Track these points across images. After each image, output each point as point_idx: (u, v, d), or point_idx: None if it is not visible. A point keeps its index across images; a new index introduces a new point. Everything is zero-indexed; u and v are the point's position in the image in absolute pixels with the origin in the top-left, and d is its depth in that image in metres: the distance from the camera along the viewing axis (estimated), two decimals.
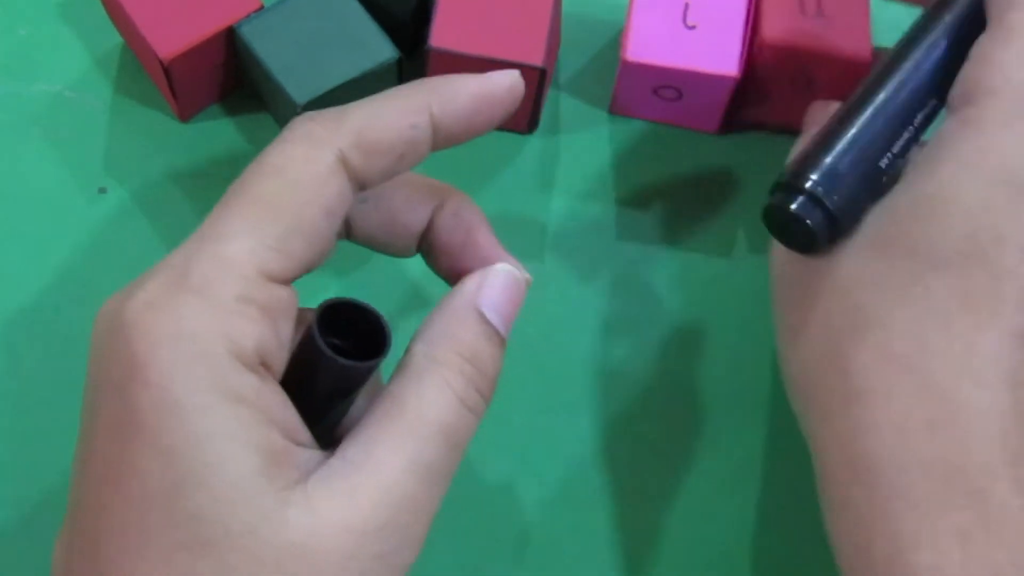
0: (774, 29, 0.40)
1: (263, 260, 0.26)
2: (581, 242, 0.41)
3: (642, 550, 0.37)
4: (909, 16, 0.45)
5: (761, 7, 0.41)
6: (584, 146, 0.43)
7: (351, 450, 0.27)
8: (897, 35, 0.44)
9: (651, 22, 0.41)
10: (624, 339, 0.39)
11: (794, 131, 0.43)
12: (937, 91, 0.32)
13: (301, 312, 0.29)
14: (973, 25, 0.32)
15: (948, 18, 0.33)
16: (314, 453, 0.27)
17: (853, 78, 0.41)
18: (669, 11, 0.41)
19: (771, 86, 0.42)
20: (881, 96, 0.32)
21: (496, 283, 0.30)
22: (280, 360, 0.27)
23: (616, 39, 0.44)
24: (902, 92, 0.32)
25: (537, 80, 0.39)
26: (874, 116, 0.32)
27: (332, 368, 0.27)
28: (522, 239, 0.41)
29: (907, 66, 0.33)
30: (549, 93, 0.43)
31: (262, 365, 0.26)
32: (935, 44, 0.33)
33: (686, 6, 0.41)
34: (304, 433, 0.27)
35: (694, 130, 0.43)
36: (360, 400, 0.31)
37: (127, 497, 0.25)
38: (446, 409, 0.28)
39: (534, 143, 0.42)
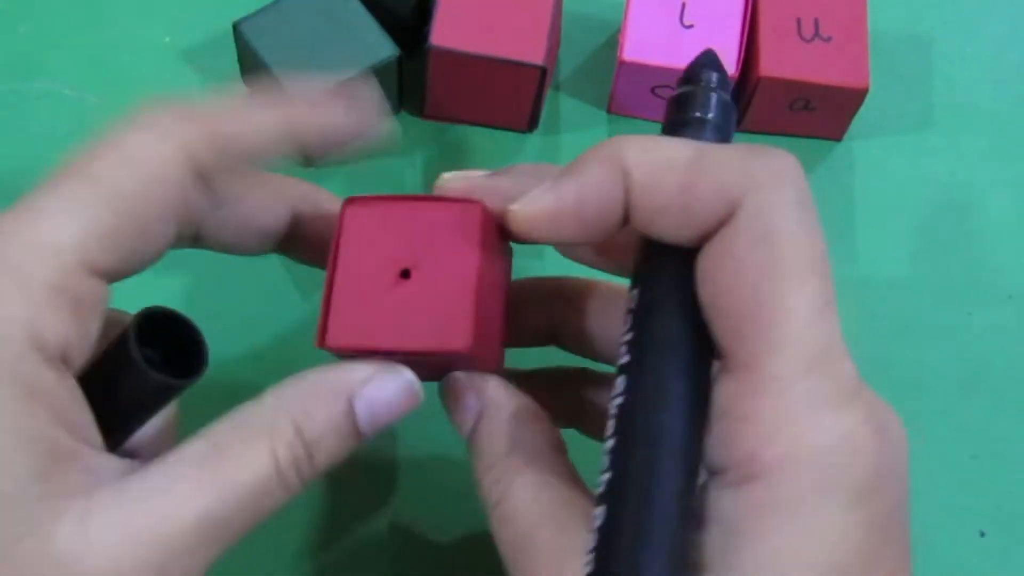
0: (771, 62, 0.40)
1: (88, 250, 0.24)
2: None
3: None
4: (906, 32, 0.46)
5: (759, 33, 0.41)
6: (583, 145, 0.41)
7: (151, 478, 0.25)
8: (894, 56, 0.45)
9: (648, 22, 0.41)
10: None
11: (794, 135, 0.43)
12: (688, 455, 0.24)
13: (110, 312, 0.27)
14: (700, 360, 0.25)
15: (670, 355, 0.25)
16: (110, 459, 0.25)
17: (851, 103, 0.41)
18: (666, 11, 0.41)
19: (770, 107, 0.42)
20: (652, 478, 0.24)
21: (387, 386, 0.27)
22: (81, 357, 0.25)
23: (615, 38, 0.44)
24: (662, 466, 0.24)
25: (538, 79, 0.40)
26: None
27: (143, 381, 0.26)
28: None
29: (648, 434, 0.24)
30: (548, 92, 0.43)
31: (62, 360, 0.24)
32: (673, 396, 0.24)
33: (683, 5, 0.42)
34: (98, 437, 0.26)
35: None
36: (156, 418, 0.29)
37: None
38: (261, 479, 0.26)
39: (534, 142, 0.43)
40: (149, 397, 0.27)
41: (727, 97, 0.27)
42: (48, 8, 0.44)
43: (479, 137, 0.42)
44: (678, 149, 0.25)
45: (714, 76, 0.27)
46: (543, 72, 0.39)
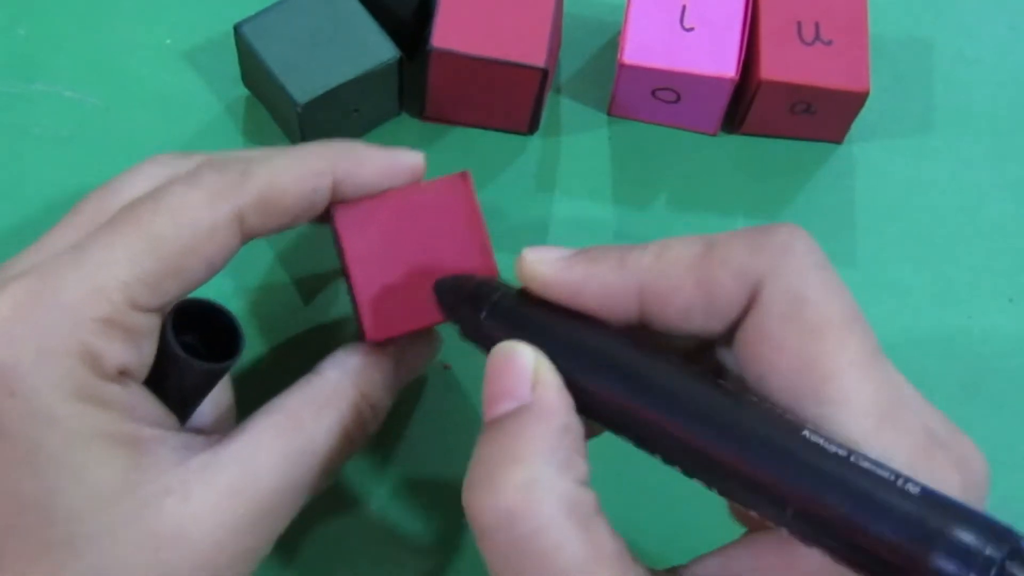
0: (772, 65, 0.40)
1: (135, 293, 0.27)
2: (581, 243, 0.41)
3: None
4: (906, 35, 0.46)
5: (759, 36, 0.41)
6: (584, 147, 0.43)
7: (236, 446, 0.28)
8: (895, 59, 0.45)
9: (649, 24, 0.41)
10: None
11: (795, 139, 0.43)
12: None
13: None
14: None
15: None
16: (191, 437, 0.28)
17: (851, 106, 0.41)
18: (667, 13, 0.41)
19: (770, 111, 0.42)
20: None
21: (419, 345, 0.33)
22: (142, 369, 0.28)
23: (616, 41, 0.44)
24: None
25: (538, 81, 0.40)
26: None
27: (187, 370, 0.29)
28: (522, 239, 0.41)
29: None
30: (549, 94, 0.43)
31: (122, 375, 0.28)
32: None
33: (684, 8, 0.42)
34: (172, 420, 0.29)
35: (693, 132, 0.43)
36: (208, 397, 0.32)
37: None
38: (333, 442, 0.30)
39: (534, 144, 0.43)
40: (197, 380, 0.30)
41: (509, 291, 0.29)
42: (48, 10, 0.44)
43: (479, 139, 0.42)
44: (686, 246, 0.26)
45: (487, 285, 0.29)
46: (544, 74, 0.39)
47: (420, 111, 0.42)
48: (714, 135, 0.43)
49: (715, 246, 0.25)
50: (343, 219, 0.31)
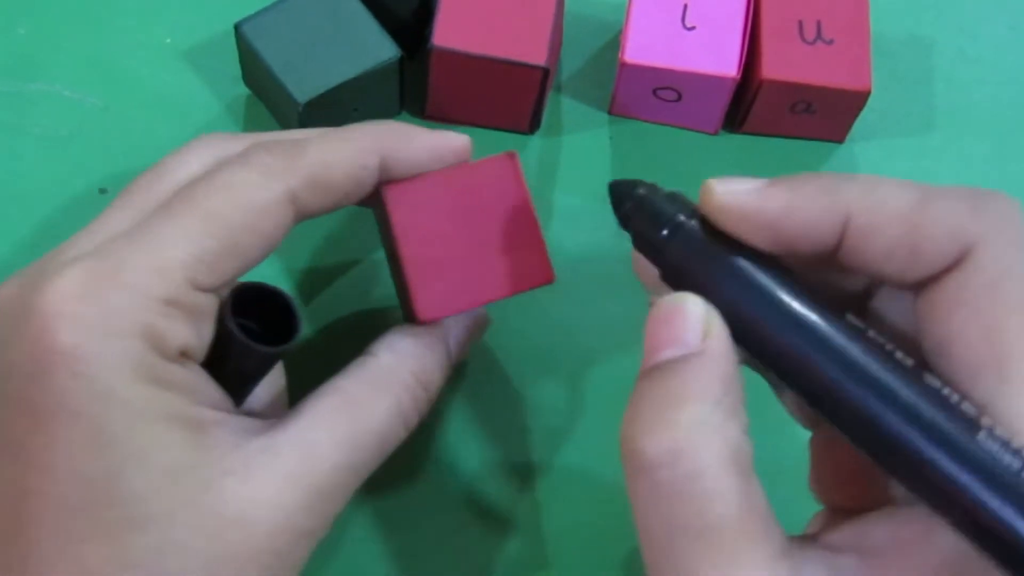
0: (773, 64, 0.40)
1: (194, 272, 0.28)
2: (581, 242, 0.41)
3: None
4: (907, 35, 0.46)
5: (761, 35, 0.41)
6: (585, 147, 0.43)
7: (295, 429, 0.29)
8: (896, 58, 0.45)
9: (650, 23, 0.41)
10: (625, 338, 0.39)
11: (796, 138, 0.43)
12: None
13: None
14: None
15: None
16: (250, 420, 0.29)
17: (852, 106, 0.41)
18: (668, 13, 0.41)
19: (772, 110, 0.42)
20: None
21: (467, 322, 0.34)
22: (201, 350, 0.29)
23: (616, 40, 0.44)
24: None
25: (539, 80, 0.40)
26: None
27: (245, 353, 0.29)
28: None
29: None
30: (550, 94, 0.43)
31: (183, 355, 0.28)
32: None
33: (685, 7, 0.42)
34: (230, 403, 0.29)
35: (694, 131, 0.43)
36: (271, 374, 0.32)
37: (61, 481, 0.26)
38: (389, 424, 0.30)
39: (535, 143, 0.43)
40: (256, 364, 0.30)
41: (670, 193, 0.28)
42: (48, 9, 0.43)
43: (480, 138, 0.42)
44: (901, 192, 0.25)
45: (642, 190, 0.29)
46: (545, 73, 0.39)
47: (421, 110, 0.42)
48: (715, 134, 0.43)
49: (932, 197, 0.25)
50: (393, 197, 0.31)
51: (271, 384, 0.33)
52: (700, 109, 0.42)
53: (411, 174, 0.31)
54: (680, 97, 0.42)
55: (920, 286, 0.25)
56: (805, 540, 0.26)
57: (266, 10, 0.39)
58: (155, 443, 0.26)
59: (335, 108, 0.39)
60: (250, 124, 0.42)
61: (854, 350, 0.25)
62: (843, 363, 0.25)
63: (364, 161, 0.30)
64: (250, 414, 0.30)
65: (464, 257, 0.32)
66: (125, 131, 0.42)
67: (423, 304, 0.31)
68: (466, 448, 0.37)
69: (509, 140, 0.42)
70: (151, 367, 0.27)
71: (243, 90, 0.42)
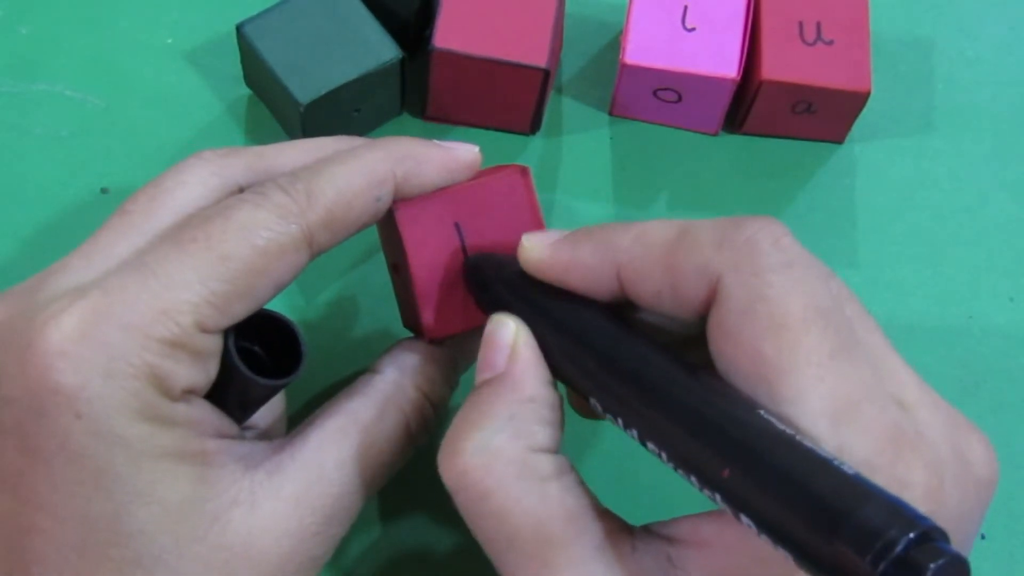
0: (773, 65, 0.41)
1: (203, 316, 0.27)
2: None
3: None
4: (907, 35, 0.46)
5: (761, 36, 0.41)
6: (585, 147, 0.43)
7: (302, 453, 0.28)
8: (896, 59, 0.45)
9: (650, 24, 0.41)
10: None
11: (796, 138, 0.43)
12: None
13: None
14: None
15: None
16: (253, 444, 0.28)
17: (852, 106, 0.41)
18: (668, 13, 0.41)
19: (772, 110, 0.42)
20: None
21: (476, 341, 0.31)
22: (206, 386, 0.28)
23: (617, 41, 0.44)
24: None
25: (540, 81, 0.40)
26: None
27: (251, 384, 0.28)
28: None
29: None
30: (551, 95, 0.43)
31: (188, 393, 0.27)
32: None
33: (685, 8, 0.42)
34: (234, 428, 0.29)
35: (694, 132, 0.43)
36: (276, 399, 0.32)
37: (65, 521, 0.25)
38: (397, 443, 0.30)
39: (536, 144, 0.43)
40: (260, 394, 0.30)
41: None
42: (49, 10, 0.44)
43: (481, 139, 0.42)
44: (662, 231, 0.27)
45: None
46: (546, 74, 0.39)
47: (422, 111, 0.42)
48: (715, 135, 0.43)
49: (686, 235, 0.26)
50: (404, 216, 0.31)
51: (271, 402, 0.33)
52: (700, 110, 0.42)
53: (424, 191, 0.31)
54: (680, 98, 0.42)
55: (701, 320, 0.26)
56: (646, 531, 0.27)
57: (268, 11, 0.39)
58: (160, 480, 0.26)
59: (336, 109, 0.39)
60: (251, 124, 0.42)
61: (618, 344, 0.27)
62: (605, 355, 0.27)
63: (379, 193, 0.30)
64: (249, 428, 0.30)
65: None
66: (127, 131, 0.42)
67: (431, 322, 0.31)
68: None
69: (510, 141, 0.43)
70: (154, 407, 0.26)
71: (244, 90, 0.42)
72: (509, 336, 0.28)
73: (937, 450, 0.24)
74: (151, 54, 0.43)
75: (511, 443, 0.26)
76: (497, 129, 0.42)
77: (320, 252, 0.29)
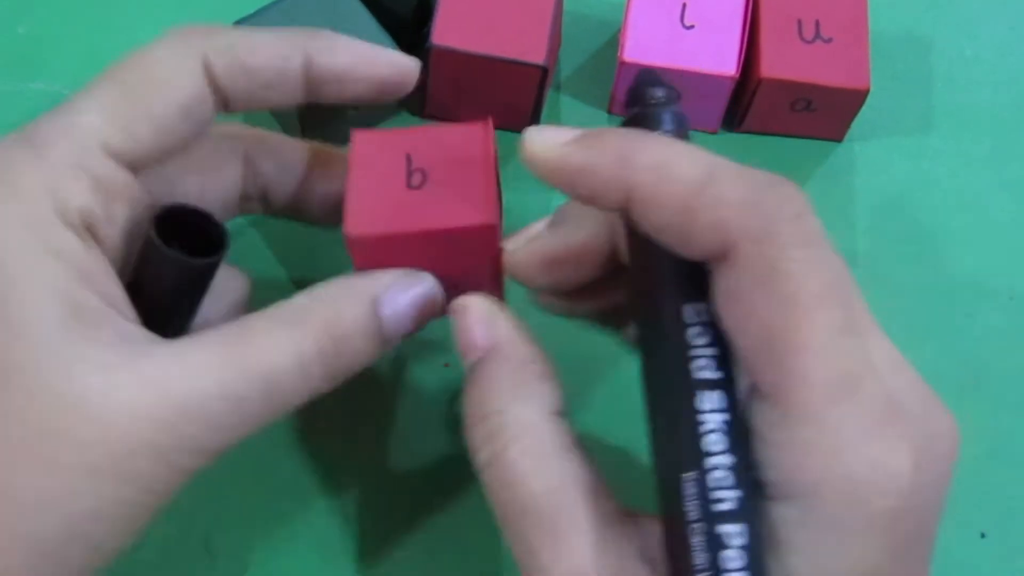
0: (772, 63, 0.40)
1: (107, 135, 0.28)
2: None
3: None
4: (906, 34, 0.46)
5: (760, 34, 0.41)
6: None
7: (177, 345, 0.27)
8: (895, 57, 0.45)
9: (649, 22, 0.41)
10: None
11: (795, 136, 0.43)
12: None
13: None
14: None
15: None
16: (143, 331, 0.27)
17: (851, 105, 0.41)
18: (667, 11, 0.41)
19: (771, 108, 0.42)
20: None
21: (410, 290, 0.30)
22: (111, 237, 0.28)
23: (616, 38, 0.44)
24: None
25: (538, 79, 0.40)
26: None
27: (167, 262, 0.28)
28: None
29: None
30: (549, 92, 0.43)
31: (86, 229, 0.27)
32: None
33: (684, 6, 0.42)
34: (130, 311, 0.28)
35: (693, 130, 0.43)
36: (209, 306, 0.31)
37: None
38: (283, 366, 0.28)
39: None
40: (177, 278, 0.29)
41: (679, 110, 0.28)
42: (48, 9, 0.44)
43: None
44: (687, 169, 0.25)
45: (659, 93, 0.28)
46: (544, 72, 0.39)
47: (420, 109, 0.42)
48: (714, 133, 0.43)
49: (712, 181, 0.25)
50: (358, 136, 0.30)
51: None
52: (699, 108, 0.42)
53: (338, 82, 0.31)
54: (679, 96, 0.42)
55: (711, 264, 0.26)
56: (647, 515, 0.27)
57: (265, 9, 0.39)
58: (24, 304, 0.26)
59: (334, 106, 0.39)
60: (249, 122, 0.42)
61: (653, 339, 0.27)
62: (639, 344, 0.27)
63: (285, 52, 0.30)
64: None
65: (411, 194, 0.29)
66: None
67: (353, 220, 0.29)
68: (445, 452, 0.37)
69: (508, 139, 0.42)
70: (44, 229, 0.26)
71: None
72: (481, 312, 0.28)
73: (919, 428, 0.25)
74: None
75: (526, 410, 0.27)
76: (495, 127, 0.42)
77: (227, 95, 0.30)
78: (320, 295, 0.29)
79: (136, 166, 0.28)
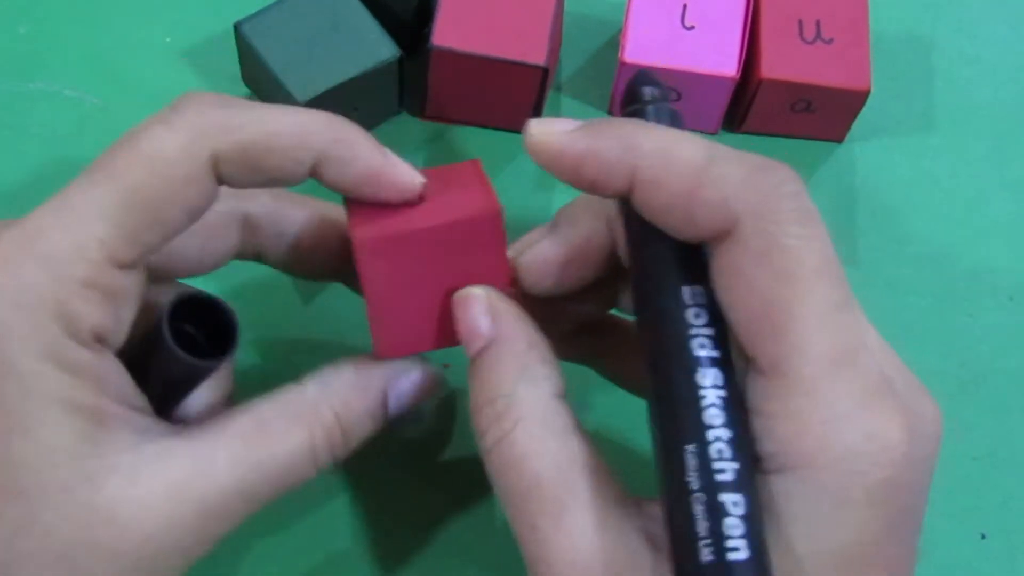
0: (772, 64, 0.41)
1: (113, 248, 0.27)
2: None
3: None
4: (907, 34, 0.46)
5: (760, 35, 0.41)
6: None
7: (196, 442, 0.28)
8: (896, 57, 0.45)
9: (650, 23, 0.41)
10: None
11: (795, 137, 0.43)
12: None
13: (158, 293, 0.30)
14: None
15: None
16: (158, 422, 0.28)
17: (852, 105, 0.41)
18: (668, 12, 0.41)
19: (771, 109, 0.42)
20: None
21: (416, 377, 0.31)
22: (119, 335, 0.28)
23: (616, 39, 0.44)
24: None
25: (539, 79, 0.40)
26: None
27: (173, 360, 0.28)
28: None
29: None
30: (549, 93, 0.43)
31: (98, 341, 0.27)
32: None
33: (684, 7, 0.42)
34: (143, 401, 0.28)
35: (694, 130, 0.43)
36: (202, 389, 0.31)
37: None
38: (296, 459, 0.29)
39: None
40: (183, 373, 0.29)
41: (672, 108, 0.29)
42: (48, 9, 0.44)
43: (480, 138, 0.42)
44: (689, 151, 0.26)
45: (654, 91, 0.29)
46: (544, 73, 0.39)
47: (420, 110, 0.42)
48: (715, 134, 0.43)
49: (714, 162, 0.26)
50: (361, 240, 0.29)
51: (208, 396, 0.32)
52: (700, 108, 0.42)
53: (343, 187, 0.29)
54: (680, 96, 0.42)
55: (710, 245, 0.26)
56: (648, 499, 0.27)
57: (266, 9, 0.39)
58: (45, 423, 0.26)
59: (334, 107, 0.39)
60: None
61: (653, 319, 0.27)
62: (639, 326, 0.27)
63: (300, 156, 0.28)
64: (180, 423, 0.29)
65: (429, 301, 0.30)
66: (125, 130, 0.41)
67: (382, 342, 0.30)
68: (446, 453, 0.37)
69: (508, 139, 0.42)
70: (59, 347, 0.26)
71: (242, 89, 0.42)
72: (482, 302, 0.29)
73: (910, 404, 0.25)
74: (149, 53, 0.43)
75: (533, 391, 0.27)
76: (496, 128, 0.42)
77: (224, 180, 0.28)
78: (330, 385, 0.30)
79: (140, 264, 0.28)
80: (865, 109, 0.42)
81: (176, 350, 0.28)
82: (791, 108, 0.42)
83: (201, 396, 0.31)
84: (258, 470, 0.28)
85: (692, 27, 0.41)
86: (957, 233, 0.43)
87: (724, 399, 0.25)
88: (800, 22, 0.41)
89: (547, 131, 0.28)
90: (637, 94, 0.29)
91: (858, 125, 0.43)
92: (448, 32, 0.39)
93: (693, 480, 0.25)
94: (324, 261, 0.33)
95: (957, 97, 0.45)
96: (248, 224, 0.32)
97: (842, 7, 0.42)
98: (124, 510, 0.26)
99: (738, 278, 0.25)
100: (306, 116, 0.29)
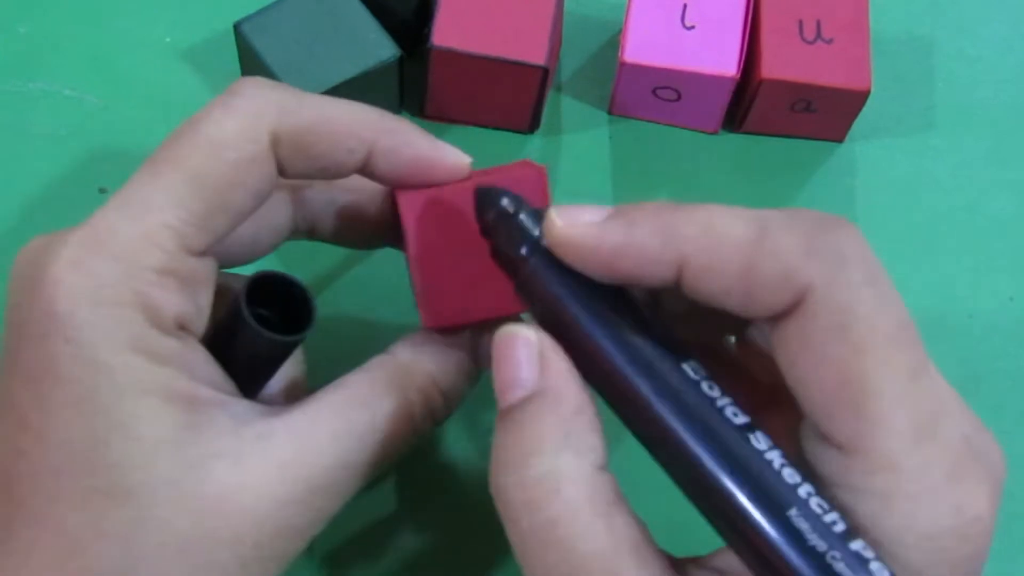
0: (773, 64, 0.41)
1: (185, 235, 0.27)
2: None
3: None
4: (907, 34, 0.46)
5: (760, 35, 0.41)
6: (584, 146, 0.43)
7: (295, 420, 0.27)
8: (896, 57, 0.45)
9: (649, 23, 0.41)
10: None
11: (796, 137, 0.43)
12: None
13: (227, 277, 0.30)
14: None
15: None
16: (251, 405, 0.28)
17: (852, 105, 0.41)
18: (668, 12, 0.41)
19: (772, 109, 0.42)
20: None
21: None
22: (200, 322, 0.28)
23: (616, 39, 0.44)
24: None
25: (539, 79, 0.40)
26: None
27: (257, 339, 0.28)
28: None
29: None
30: (549, 93, 0.43)
31: (181, 329, 0.27)
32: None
33: (684, 7, 0.42)
34: (231, 386, 0.28)
35: (694, 130, 0.43)
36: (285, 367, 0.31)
37: (46, 444, 0.25)
38: (396, 426, 0.29)
39: (535, 143, 0.43)
40: (266, 352, 0.29)
41: (535, 209, 0.27)
42: (48, 8, 0.44)
43: (480, 138, 0.42)
44: (738, 227, 0.24)
45: (512, 201, 0.27)
46: (544, 73, 0.39)
47: (420, 109, 0.42)
48: (715, 134, 0.43)
49: (767, 234, 0.24)
50: (406, 204, 0.30)
51: (289, 378, 0.32)
52: (700, 108, 0.42)
53: (395, 175, 0.30)
54: (680, 96, 0.42)
55: (771, 321, 0.25)
56: (694, 563, 0.26)
57: (265, 9, 0.39)
58: (142, 416, 0.26)
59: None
60: None
61: (676, 404, 0.25)
62: (663, 416, 0.25)
63: (353, 144, 0.29)
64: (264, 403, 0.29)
65: (478, 268, 0.29)
66: (125, 130, 0.42)
67: (429, 312, 0.30)
68: (449, 453, 0.37)
69: (509, 139, 0.42)
70: (144, 338, 0.26)
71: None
72: (534, 346, 0.26)
73: (991, 467, 0.24)
74: (149, 53, 0.43)
75: (576, 463, 0.25)
76: (496, 128, 0.42)
77: (279, 166, 0.28)
78: (422, 349, 0.30)
79: (212, 250, 0.28)
80: (865, 109, 0.42)
81: (261, 330, 0.28)
82: (791, 108, 0.42)
83: (282, 375, 0.31)
84: (360, 442, 0.28)
85: (692, 27, 0.41)
86: (957, 232, 0.43)
87: (784, 455, 0.24)
88: (800, 22, 0.41)
89: (573, 223, 0.25)
90: (501, 211, 0.27)
91: (858, 125, 0.43)
92: (448, 32, 0.39)
93: (818, 542, 0.23)
94: (377, 221, 0.32)
95: (957, 97, 0.45)
96: (297, 197, 0.31)
97: (842, 7, 0.42)
98: (235, 496, 0.26)
99: (809, 352, 0.24)
100: (359, 107, 0.29)
